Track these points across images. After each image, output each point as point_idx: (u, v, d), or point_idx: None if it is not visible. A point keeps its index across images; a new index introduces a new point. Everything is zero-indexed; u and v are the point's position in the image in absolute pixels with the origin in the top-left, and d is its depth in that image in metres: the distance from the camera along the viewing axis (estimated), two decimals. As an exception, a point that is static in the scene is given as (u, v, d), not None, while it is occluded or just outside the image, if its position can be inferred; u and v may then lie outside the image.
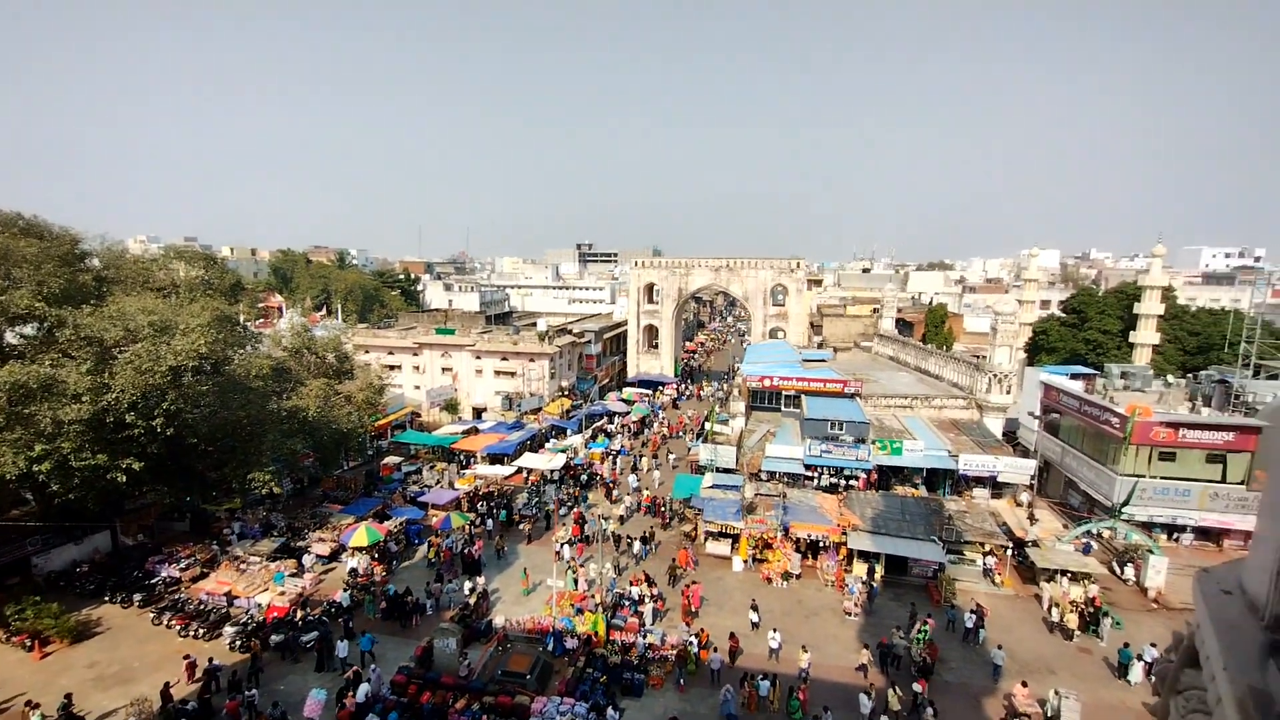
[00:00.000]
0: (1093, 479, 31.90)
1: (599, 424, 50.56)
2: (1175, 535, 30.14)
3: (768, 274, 64.22)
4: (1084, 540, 28.09)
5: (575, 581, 26.32)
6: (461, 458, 41.64)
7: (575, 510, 33.84)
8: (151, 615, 23.77)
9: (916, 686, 19.64)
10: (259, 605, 23.96)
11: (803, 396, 39.62)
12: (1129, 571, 27.36)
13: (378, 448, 43.71)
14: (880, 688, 19.91)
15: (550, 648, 21.91)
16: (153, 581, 25.69)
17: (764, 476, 34.20)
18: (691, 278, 66.05)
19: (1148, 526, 29.18)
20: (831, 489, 33.57)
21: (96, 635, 22.91)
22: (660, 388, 62.69)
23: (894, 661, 21.57)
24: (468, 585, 25.58)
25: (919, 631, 22.29)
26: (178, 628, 22.99)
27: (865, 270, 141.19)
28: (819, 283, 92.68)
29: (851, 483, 34.08)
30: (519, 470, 38.80)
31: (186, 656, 20.68)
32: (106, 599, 24.89)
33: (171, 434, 24.00)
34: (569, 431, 46.92)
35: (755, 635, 22.84)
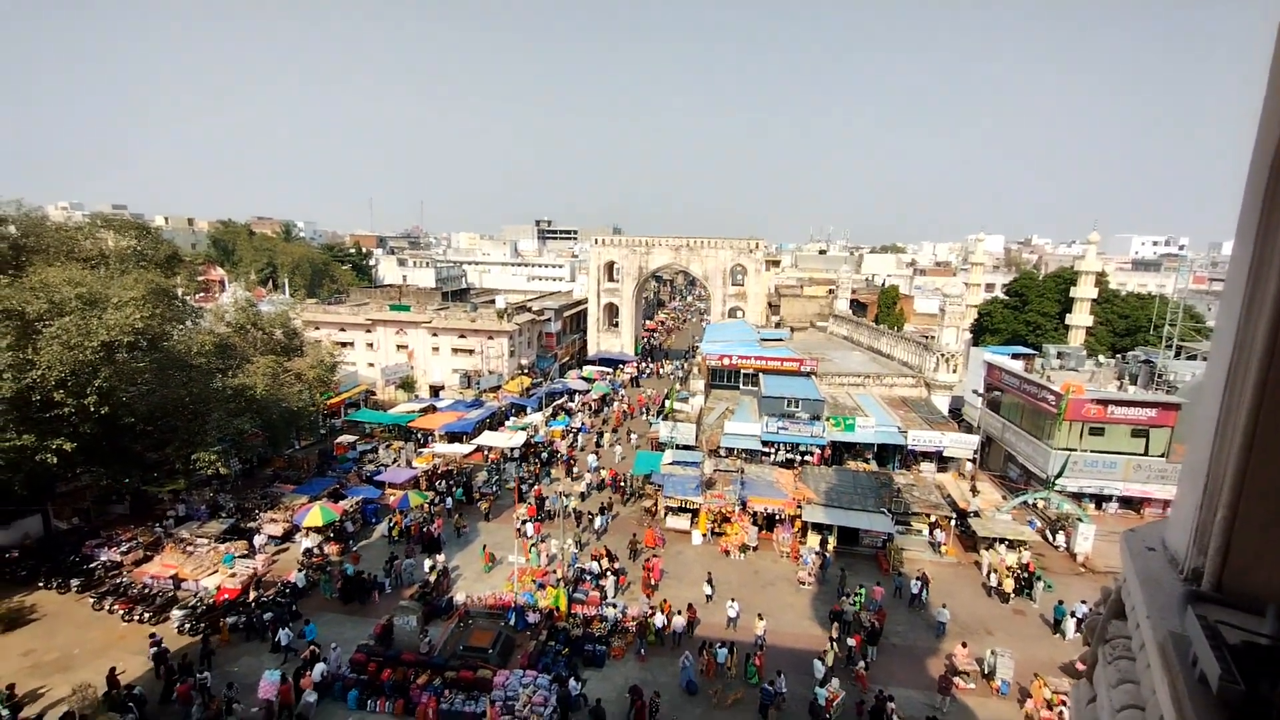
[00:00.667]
0: (1030, 453, 33.82)
1: (559, 402, 50.41)
2: (1102, 504, 32.35)
3: (727, 254, 64.72)
4: (1027, 516, 29.59)
5: (537, 556, 26.48)
6: (419, 436, 40.95)
7: (536, 488, 33.86)
8: (92, 600, 22.73)
9: (851, 641, 21.02)
10: (208, 588, 23.22)
11: (761, 375, 40.39)
12: (1060, 538, 29.29)
13: (331, 426, 42.52)
14: (829, 651, 20.90)
15: (512, 622, 22.08)
16: (91, 566, 24.54)
17: (723, 453, 34.90)
18: (652, 256, 65.97)
19: (1077, 497, 31.20)
20: (788, 464, 34.53)
21: (31, 622, 21.79)
22: (621, 366, 62.79)
23: (844, 626, 22.62)
24: (427, 563, 25.41)
25: (856, 595, 23.76)
26: (121, 612, 22.09)
27: (822, 252, 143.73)
28: (777, 264, 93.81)
29: (807, 458, 35.12)
30: (478, 448, 38.44)
31: (151, 636, 19.89)
32: (40, 585, 23.65)
33: (106, 413, 22.74)
34: (529, 409, 46.63)
35: (711, 606, 23.54)
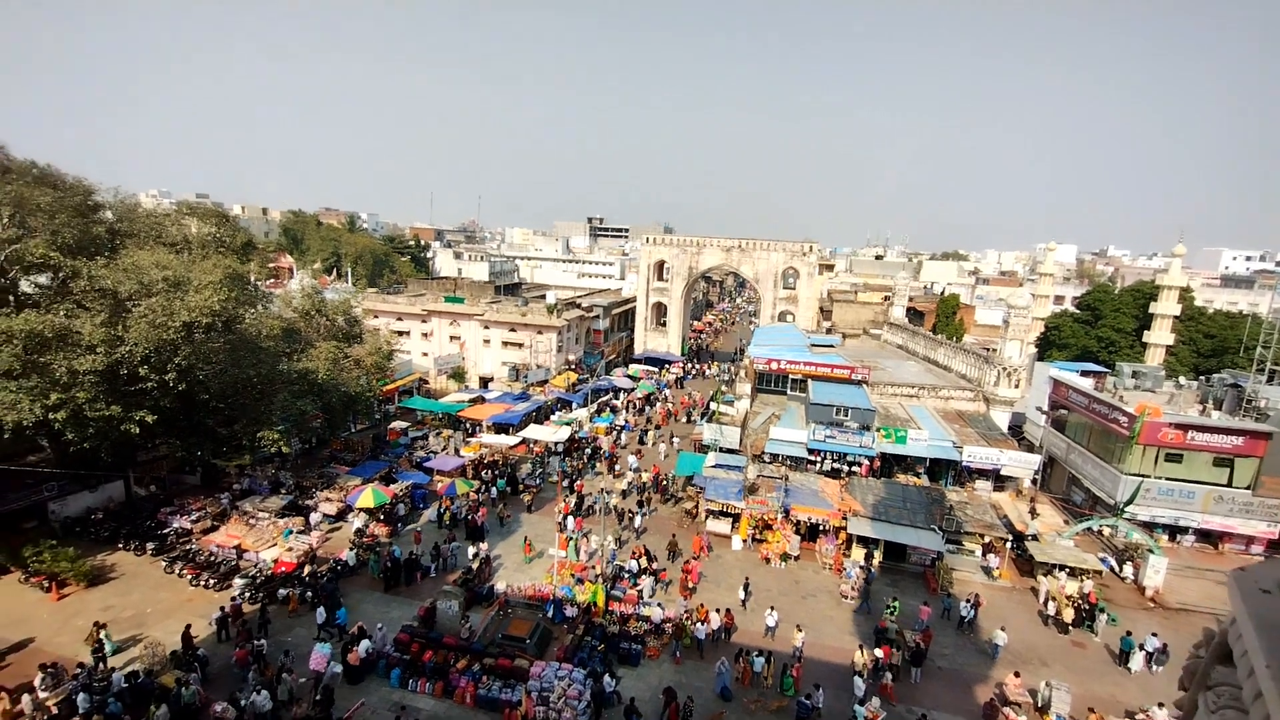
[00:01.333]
0: (1097, 476, 31.90)
1: (605, 399, 50.73)
2: (1176, 536, 30.22)
3: (779, 256, 63.67)
4: (1101, 558, 27.53)
5: (577, 552, 26.74)
6: (467, 425, 41.98)
7: (579, 483, 34.20)
8: (164, 564, 24.33)
9: (879, 653, 20.42)
10: (266, 560, 24.45)
11: (809, 381, 39.55)
12: (1127, 570, 27.51)
13: (385, 412, 44.06)
14: (872, 669, 20.28)
15: (550, 615, 22.34)
16: (165, 532, 26.24)
17: (767, 458, 34.36)
18: (702, 257, 65.56)
19: (1149, 526, 29.25)
20: (834, 474, 33.69)
21: (111, 580, 23.51)
22: (666, 366, 62.70)
23: (887, 644, 21.87)
24: (471, 550, 26.01)
25: (891, 606, 23.15)
26: (189, 577, 23.55)
27: (878, 257, 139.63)
28: (830, 268, 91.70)
29: (854, 469, 34.17)
30: (523, 441, 39.11)
31: (223, 608, 21.03)
32: (120, 546, 25.48)
33: (184, 389, 24.24)
34: (574, 405, 47.11)
35: (746, 614, 23.20)
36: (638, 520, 30.12)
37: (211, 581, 23.35)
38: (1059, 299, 71.29)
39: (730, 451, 35.00)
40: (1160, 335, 46.01)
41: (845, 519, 28.22)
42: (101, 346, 22.01)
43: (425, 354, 54.66)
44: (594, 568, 25.40)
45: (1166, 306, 45.79)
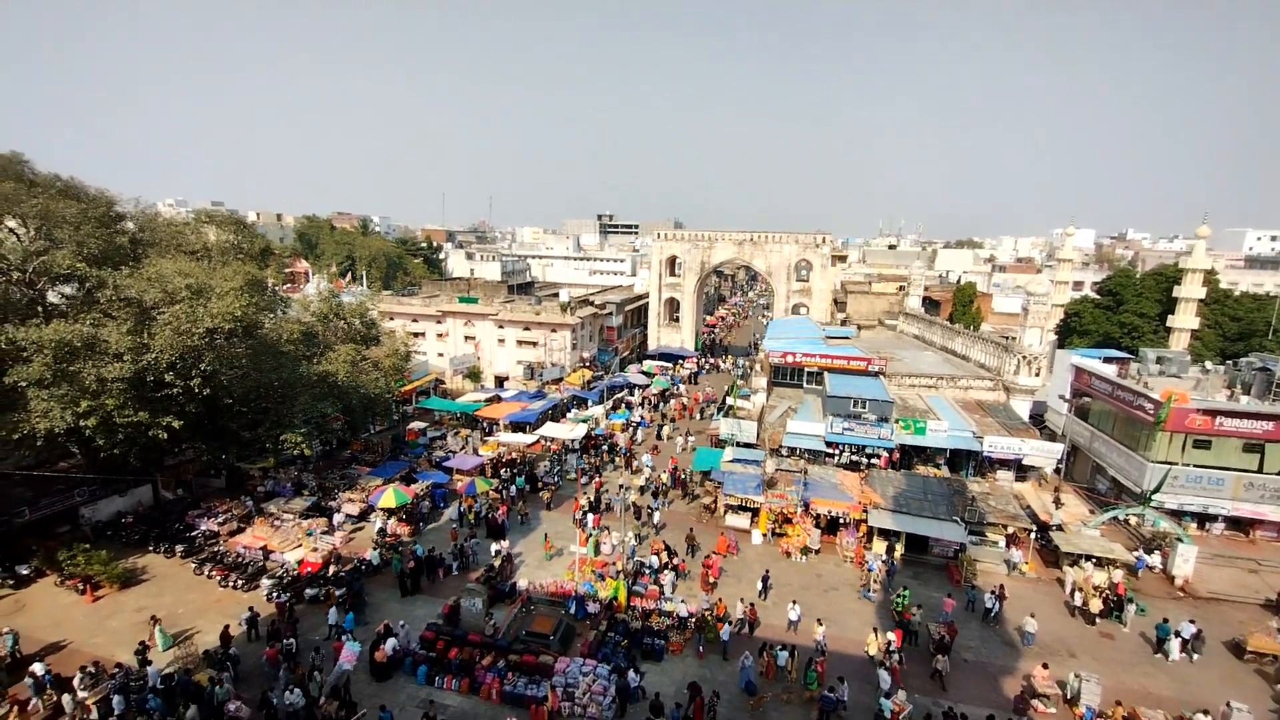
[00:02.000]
0: (1122, 465, 31.39)
1: (620, 395, 50.81)
2: (1205, 524, 29.66)
3: (792, 249, 63.24)
4: (1136, 557, 26.79)
5: (597, 548, 26.85)
6: (484, 425, 42.27)
7: (597, 480, 34.32)
8: (193, 566, 24.82)
9: (891, 635, 20.60)
10: (290, 561, 24.82)
11: (825, 373, 39.27)
12: (1154, 559, 27.06)
13: (403, 413, 44.49)
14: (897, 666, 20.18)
15: (573, 611, 22.46)
16: (193, 534, 26.75)
17: (784, 452, 34.21)
18: (714, 251, 65.29)
19: (1177, 514, 28.72)
20: (853, 466, 33.47)
21: (143, 582, 24.02)
22: (680, 361, 62.63)
23: (911, 638, 21.77)
24: (493, 548, 26.23)
25: (901, 595, 23.07)
26: (218, 578, 24.00)
27: (891, 247, 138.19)
28: (843, 259, 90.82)
29: (873, 461, 33.93)
30: (540, 439, 39.31)
31: (251, 609, 21.39)
32: (150, 549, 26.01)
33: (208, 394, 24.67)
34: (590, 402, 47.25)
35: (766, 608, 23.18)
36: (656, 516, 30.18)
37: (240, 582, 23.76)
38: (1078, 285, 70.11)
39: (747, 446, 34.89)
40: (1185, 319, 45.09)
41: (866, 512, 28.05)
42: (128, 354, 22.45)
43: (441, 354, 55.10)
44: (614, 564, 25.49)
45: (1191, 290, 44.85)
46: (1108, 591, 24.32)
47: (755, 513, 29.54)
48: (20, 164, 26.32)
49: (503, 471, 35.00)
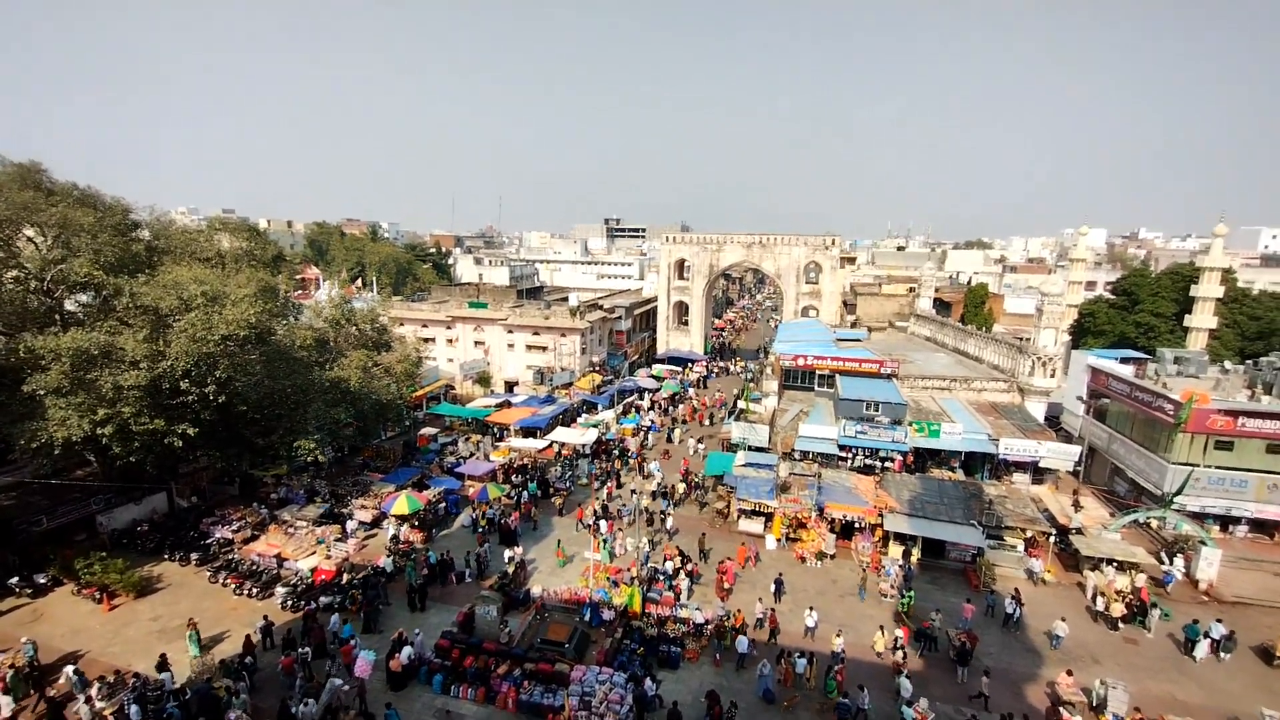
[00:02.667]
0: (1142, 467, 30.93)
1: (630, 400, 50.70)
2: (1228, 527, 29.15)
3: (801, 251, 63.01)
4: (1165, 571, 25.97)
5: (611, 555, 26.69)
6: (495, 430, 42.24)
7: (608, 485, 34.17)
8: (208, 574, 24.87)
9: (899, 632, 20.92)
10: (303, 570, 24.79)
11: (837, 376, 39.00)
12: (1178, 563, 26.59)
13: (414, 419, 44.55)
14: (917, 671, 19.90)
15: (587, 618, 22.30)
16: (208, 542, 26.83)
17: (797, 456, 33.97)
18: (723, 254, 65.17)
19: (1199, 517, 28.23)
20: (866, 470, 33.17)
21: (159, 590, 24.08)
22: (690, 364, 62.45)
23: (930, 644, 21.47)
24: (506, 554, 26.13)
25: (907, 596, 23.32)
26: (232, 586, 24.03)
27: (900, 248, 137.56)
28: (852, 261, 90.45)
29: (887, 464, 33.60)
30: (552, 444, 39.22)
31: (265, 617, 21.45)
32: (165, 557, 26.12)
33: (223, 401, 24.74)
34: (600, 407, 47.15)
35: (784, 611, 22.92)
36: (669, 522, 29.99)
37: (254, 590, 23.78)
38: (1090, 285, 69.32)
39: (760, 450, 34.67)
40: (1203, 319, 44.45)
41: (881, 516, 27.75)
42: (145, 362, 22.55)
43: (451, 360, 55.20)
44: (629, 570, 25.32)
45: (1208, 289, 44.23)
46: (1131, 596, 23.90)
47: (769, 517, 29.30)
48: (38, 173, 26.54)
49: (514, 477, 34.93)
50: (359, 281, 76.02)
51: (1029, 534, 27.34)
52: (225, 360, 24.11)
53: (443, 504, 30.87)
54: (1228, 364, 37.33)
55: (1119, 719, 17.77)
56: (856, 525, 28.24)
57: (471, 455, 38.56)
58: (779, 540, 28.66)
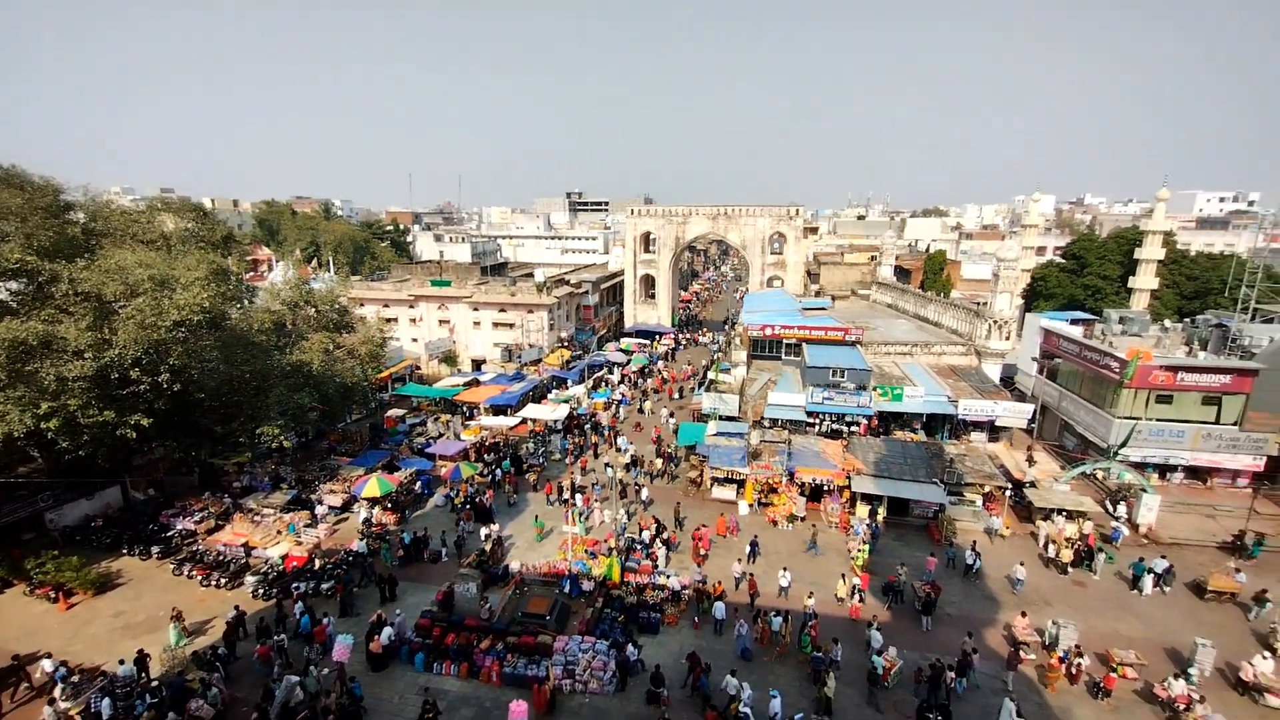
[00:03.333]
0: (1089, 422, 32.61)
1: (600, 374, 50.66)
2: (1166, 475, 31.10)
3: (765, 222, 63.32)
4: (1114, 528, 27.11)
5: (587, 529, 26.94)
6: (464, 409, 41.76)
7: (582, 459, 34.32)
8: (171, 566, 24.13)
9: (856, 580, 22.51)
10: (273, 558, 24.30)
11: (804, 345, 39.73)
12: (1121, 509, 28.33)
13: (380, 400, 43.66)
14: (886, 623, 20.84)
15: (567, 590, 22.55)
16: (169, 534, 25.97)
17: (767, 424, 34.67)
18: (688, 226, 65.02)
19: (1140, 466, 30.03)
20: (834, 435, 34.12)
21: (119, 586, 23.28)
22: (658, 337, 62.63)
23: (896, 597, 22.48)
24: (483, 532, 26.10)
25: (862, 548, 24.70)
26: (199, 578, 23.39)
27: (860, 217, 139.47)
28: (815, 231, 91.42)
29: (853, 428, 34.63)
30: (524, 421, 39.04)
31: (237, 607, 20.99)
32: (124, 552, 25.18)
33: (178, 389, 23.76)
34: (570, 382, 47.03)
35: (759, 572, 23.59)
36: (644, 493, 30.37)
37: (223, 580, 23.21)
38: (1040, 250, 71.77)
39: (730, 419, 35.23)
40: (1145, 280, 46.64)
41: (849, 478, 28.66)
42: (89, 351, 21.43)
43: (415, 340, 54.03)
44: (605, 541, 25.63)
45: (1151, 251, 46.31)
46: (1079, 543, 25.42)
47: (741, 484, 29.94)
48: (-50, 152, 24.57)
49: (487, 456, 34.72)
50: (315, 262, 73.25)
51: (986, 489, 28.69)
52: (178, 347, 23.10)
53: (416, 485, 30.53)
54: (1168, 322, 39.39)
55: (1068, 654, 19.02)
56: (825, 488, 29.11)
57: (441, 435, 38.11)
58: (751, 505, 29.36)
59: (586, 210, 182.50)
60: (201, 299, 23.08)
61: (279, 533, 25.90)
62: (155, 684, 17.43)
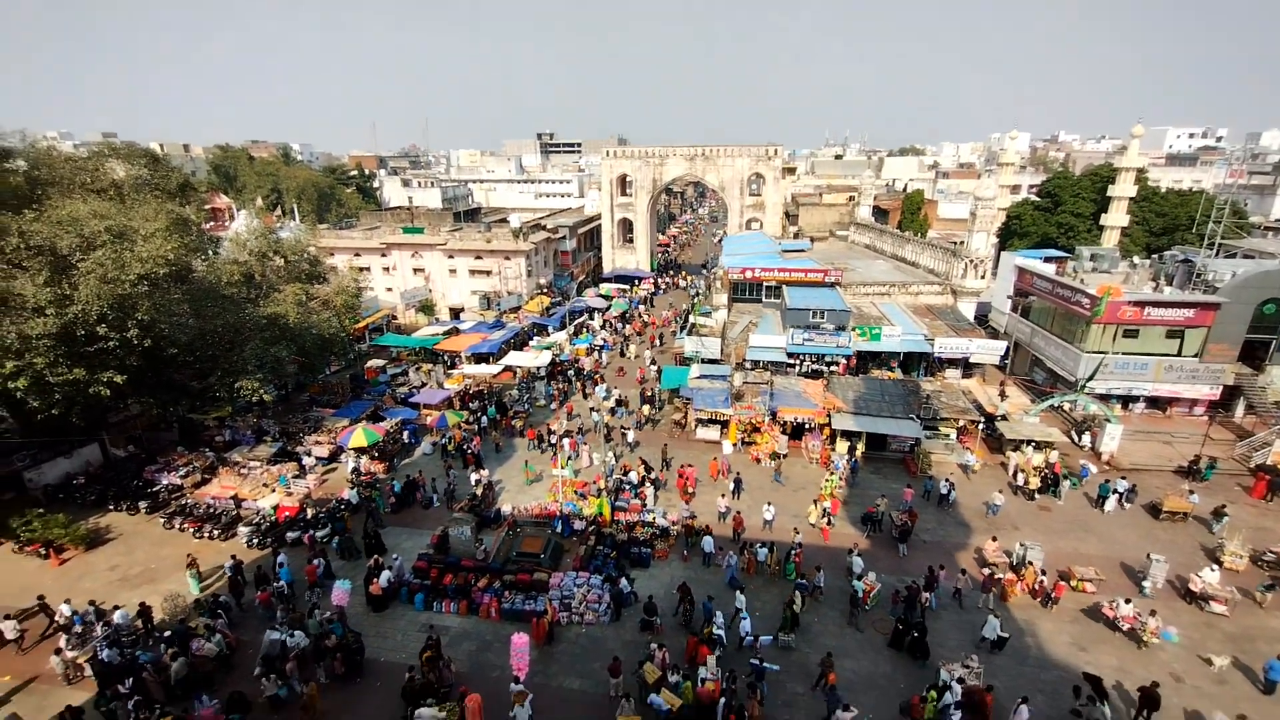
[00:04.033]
0: (1059, 356, 33.74)
1: (581, 320, 50.44)
2: (1128, 405, 32.59)
3: (744, 162, 62.13)
4: (1082, 465, 28.17)
5: (575, 471, 27.48)
6: (446, 358, 41.46)
7: (568, 404, 34.62)
8: (162, 520, 24.14)
9: (827, 504, 24.13)
10: (265, 508, 24.39)
11: (784, 287, 39.89)
12: (1085, 439, 29.77)
13: (359, 351, 43.04)
14: (866, 550, 21.97)
15: (559, 530, 23.20)
16: (155, 489, 25.82)
17: (748, 365, 35.16)
18: (666, 168, 63.53)
19: (1104, 398, 31.38)
20: (814, 375, 34.78)
21: (110, 541, 23.27)
22: (638, 282, 62.21)
23: (875, 526, 23.63)
24: (473, 478, 26.45)
25: (829, 479, 26.17)
26: (191, 530, 23.48)
27: (838, 157, 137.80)
28: (793, 171, 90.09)
29: (832, 368, 35.34)
30: (507, 368, 38.98)
31: (234, 556, 20.98)
32: (111, 508, 25.05)
33: (149, 345, 23.08)
34: (550, 329, 46.79)
35: (744, 508, 24.51)
36: (630, 435, 30.90)
37: (215, 532, 23.34)
38: (1014, 188, 72.00)
39: (712, 362, 35.63)
40: (1117, 217, 47.33)
41: (829, 416, 29.48)
42: (50, 308, 20.57)
43: (390, 289, 52.87)
44: (594, 483, 26.21)
45: (1124, 189, 46.81)
46: (1045, 470, 26.78)
47: (725, 424, 30.61)
48: None
49: (471, 403, 34.78)
50: (278, 210, 70.21)
51: (960, 423, 29.82)
52: (145, 301, 22.26)
53: (403, 434, 30.60)
54: (1136, 259, 40.30)
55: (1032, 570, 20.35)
56: (806, 426, 29.95)
57: (424, 385, 37.93)
58: (735, 445, 30.13)
59: (559, 152, 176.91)
60: (165, 250, 22.16)
61: (267, 485, 25.94)
62: (166, 633, 17.72)
